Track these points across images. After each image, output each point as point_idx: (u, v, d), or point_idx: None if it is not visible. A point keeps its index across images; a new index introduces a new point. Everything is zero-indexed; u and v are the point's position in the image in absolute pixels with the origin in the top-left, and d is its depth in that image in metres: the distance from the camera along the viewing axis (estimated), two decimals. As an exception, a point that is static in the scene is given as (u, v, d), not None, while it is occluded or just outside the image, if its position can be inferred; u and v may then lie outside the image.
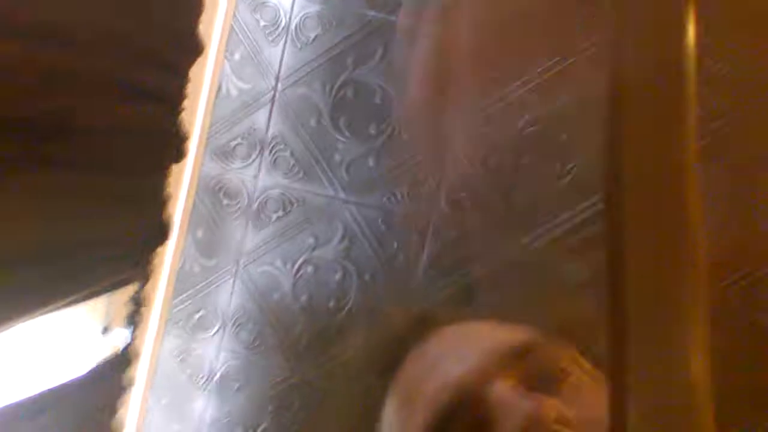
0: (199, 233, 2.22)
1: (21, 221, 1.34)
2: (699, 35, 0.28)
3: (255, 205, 2.19)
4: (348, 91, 2.11)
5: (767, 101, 1.92)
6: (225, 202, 2.20)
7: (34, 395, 1.56)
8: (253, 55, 2.15)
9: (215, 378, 2.25)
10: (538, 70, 2.00)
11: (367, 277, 2.15)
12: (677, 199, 0.27)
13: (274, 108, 2.15)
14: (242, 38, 2.15)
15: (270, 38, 2.14)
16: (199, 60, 1.77)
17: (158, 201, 1.83)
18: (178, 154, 1.81)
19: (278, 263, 2.19)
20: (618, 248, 0.27)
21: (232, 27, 2.14)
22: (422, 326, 0.65)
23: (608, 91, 0.30)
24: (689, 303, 0.27)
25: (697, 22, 0.29)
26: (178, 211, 2.11)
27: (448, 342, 0.62)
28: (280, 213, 2.17)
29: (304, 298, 2.19)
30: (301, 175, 2.15)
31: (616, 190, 0.28)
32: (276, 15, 2.13)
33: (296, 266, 2.18)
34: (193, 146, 2.07)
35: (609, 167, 0.29)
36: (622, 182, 0.27)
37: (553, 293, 2.02)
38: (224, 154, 2.19)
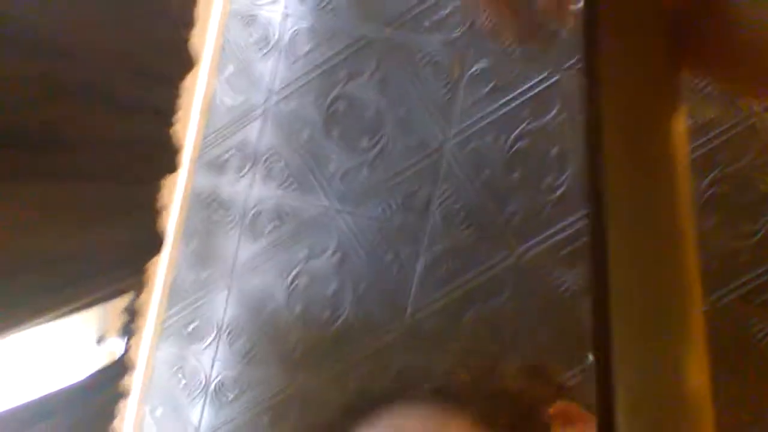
0: (193, 244, 2.23)
1: (16, 232, 1.35)
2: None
3: (248, 217, 2.20)
4: (340, 104, 2.12)
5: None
6: (218, 213, 2.21)
7: (29, 404, 1.56)
8: (245, 69, 2.17)
9: (210, 389, 2.25)
10: (531, 83, 2.02)
11: (361, 288, 2.15)
12: (666, 202, 0.25)
13: (267, 121, 2.16)
14: (234, 52, 2.16)
15: (262, 52, 2.16)
16: (192, 73, 1.78)
17: (152, 212, 1.84)
18: (172, 166, 1.82)
19: (272, 274, 2.20)
20: (602, 257, 0.25)
21: (224, 41, 2.15)
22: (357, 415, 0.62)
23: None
24: (682, 310, 0.24)
25: None
26: (171, 222, 2.12)
27: None
28: (274, 224, 2.18)
29: (298, 309, 2.19)
30: (294, 186, 2.16)
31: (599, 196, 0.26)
32: (268, 30, 2.15)
33: (290, 277, 2.19)
34: (186, 158, 2.08)
35: (590, 179, 0.27)
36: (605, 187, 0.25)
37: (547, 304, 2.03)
38: (217, 166, 2.20)
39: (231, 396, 2.24)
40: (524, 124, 2.03)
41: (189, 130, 2.09)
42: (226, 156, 2.19)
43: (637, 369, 0.24)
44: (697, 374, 0.24)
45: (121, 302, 1.98)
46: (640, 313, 0.24)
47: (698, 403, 0.23)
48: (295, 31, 2.13)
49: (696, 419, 0.23)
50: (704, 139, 1.96)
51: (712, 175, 1.96)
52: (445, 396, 0.58)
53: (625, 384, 0.24)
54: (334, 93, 2.12)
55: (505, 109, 2.04)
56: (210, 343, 2.24)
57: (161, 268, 2.15)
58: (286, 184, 2.17)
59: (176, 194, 2.11)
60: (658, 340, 0.24)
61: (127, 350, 2.02)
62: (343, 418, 0.61)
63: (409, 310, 2.13)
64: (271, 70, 2.15)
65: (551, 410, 0.56)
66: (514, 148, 2.04)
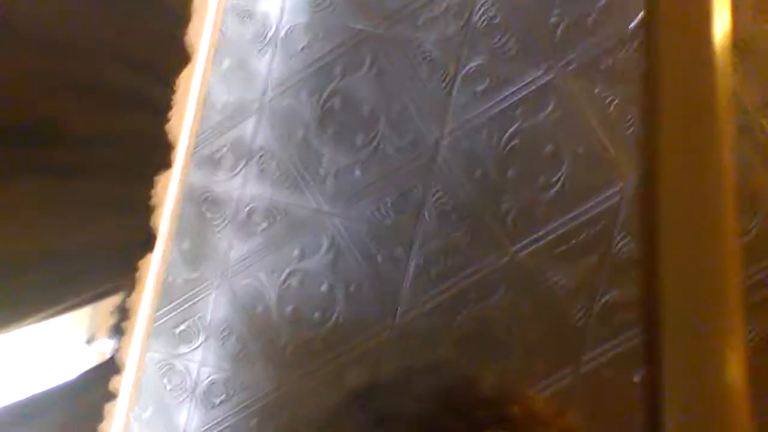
0: (185, 244, 2.21)
1: (6, 229, 1.33)
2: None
3: (241, 216, 2.18)
4: (335, 101, 2.11)
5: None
6: (211, 212, 2.19)
7: (17, 404, 1.54)
8: (240, 65, 2.15)
9: (199, 390, 2.23)
10: (525, 82, 2.03)
11: (352, 288, 2.14)
12: (713, 203, 0.26)
13: (261, 118, 2.15)
14: (230, 48, 2.15)
15: (258, 48, 2.15)
16: (187, 69, 1.77)
17: (144, 210, 1.82)
18: (165, 163, 1.80)
19: (264, 275, 2.18)
20: (652, 265, 0.26)
21: (220, 37, 2.14)
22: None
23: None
24: (726, 310, 0.27)
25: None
26: (163, 220, 2.10)
27: None
28: (266, 224, 2.17)
29: (289, 309, 2.18)
30: (287, 185, 2.15)
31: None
32: (264, 25, 2.14)
33: (282, 278, 2.17)
34: (179, 155, 2.07)
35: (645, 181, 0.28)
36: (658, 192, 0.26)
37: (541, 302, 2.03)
38: (210, 163, 2.18)
39: (220, 398, 2.22)
40: (518, 123, 2.03)
41: (183, 126, 2.07)
42: (220, 153, 2.18)
43: (686, 373, 0.26)
44: (738, 377, 0.26)
45: (112, 301, 1.96)
46: (690, 323, 0.26)
47: (738, 399, 0.25)
48: (291, 26, 2.12)
49: (737, 416, 0.25)
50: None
51: (704, 174, 1.98)
52: None
53: (674, 387, 0.25)
54: (330, 89, 2.11)
55: (499, 108, 2.04)
56: (200, 344, 2.22)
57: (152, 268, 2.13)
58: (279, 182, 2.16)
59: (169, 192, 2.09)
60: (707, 348, 0.26)
61: (116, 350, 2.00)
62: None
63: (401, 310, 2.12)
64: (266, 66, 2.14)
65: None
66: (508, 147, 2.04)
